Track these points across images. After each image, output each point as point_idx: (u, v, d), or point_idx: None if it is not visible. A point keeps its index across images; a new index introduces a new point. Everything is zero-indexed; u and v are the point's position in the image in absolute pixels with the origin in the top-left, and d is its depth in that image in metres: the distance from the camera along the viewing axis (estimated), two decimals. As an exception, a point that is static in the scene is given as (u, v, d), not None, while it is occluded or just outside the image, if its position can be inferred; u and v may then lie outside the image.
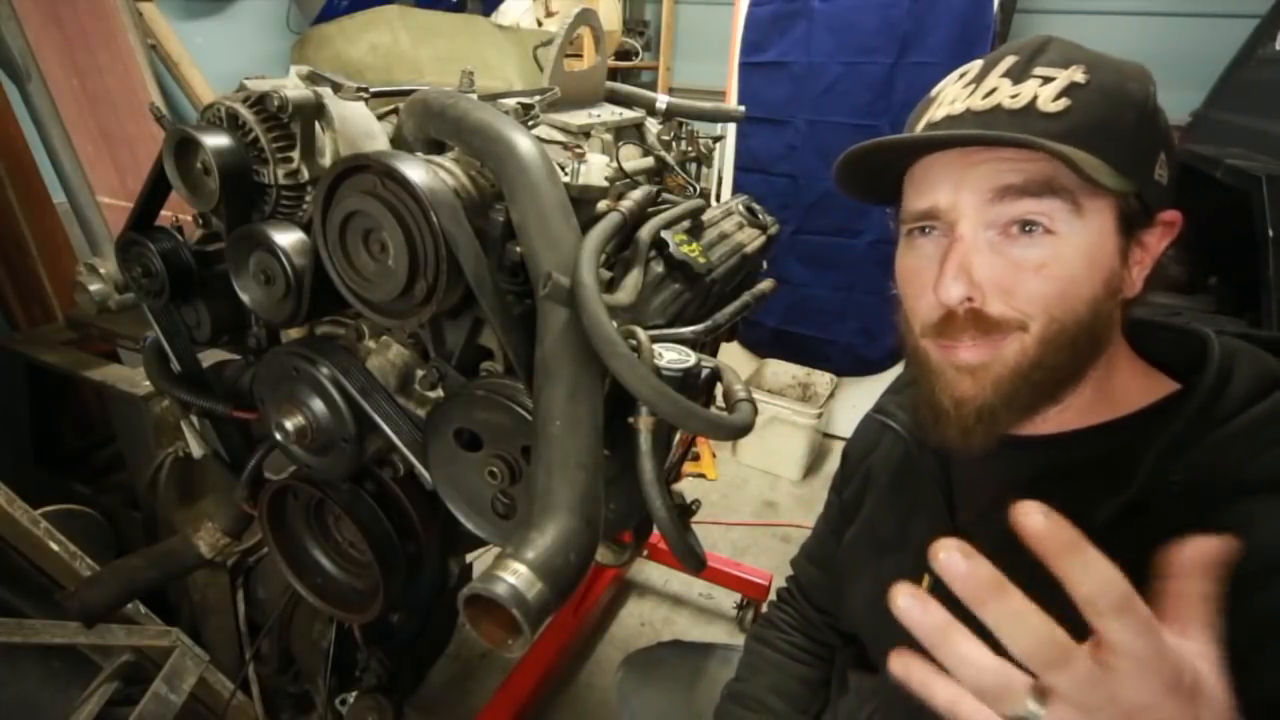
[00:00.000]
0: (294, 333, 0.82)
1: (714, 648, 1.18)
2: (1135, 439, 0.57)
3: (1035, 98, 0.54)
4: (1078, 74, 0.53)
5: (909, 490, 0.76)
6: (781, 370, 2.81)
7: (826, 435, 2.80)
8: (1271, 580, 0.48)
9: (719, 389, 0.67)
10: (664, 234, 0.76)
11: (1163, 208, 0.57)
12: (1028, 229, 0.54)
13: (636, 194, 0.77)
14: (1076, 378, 0.58)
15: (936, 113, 0.59)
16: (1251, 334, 0.65)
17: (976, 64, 0.59)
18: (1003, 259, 0.55)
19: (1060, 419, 0.61)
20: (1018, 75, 0.55)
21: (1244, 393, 0.56)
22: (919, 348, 0.62)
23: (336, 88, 0.74)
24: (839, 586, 0.87)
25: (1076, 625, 0.44)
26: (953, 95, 0.59)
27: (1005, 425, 0.59)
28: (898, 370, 1.15)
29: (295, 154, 0.70)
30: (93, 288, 0.97)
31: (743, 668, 1.00)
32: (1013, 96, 0.55)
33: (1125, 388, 0.61)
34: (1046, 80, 0.54)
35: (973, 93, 0.57)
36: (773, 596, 1.07)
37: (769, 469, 2.70)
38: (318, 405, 0.73)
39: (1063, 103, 0.53)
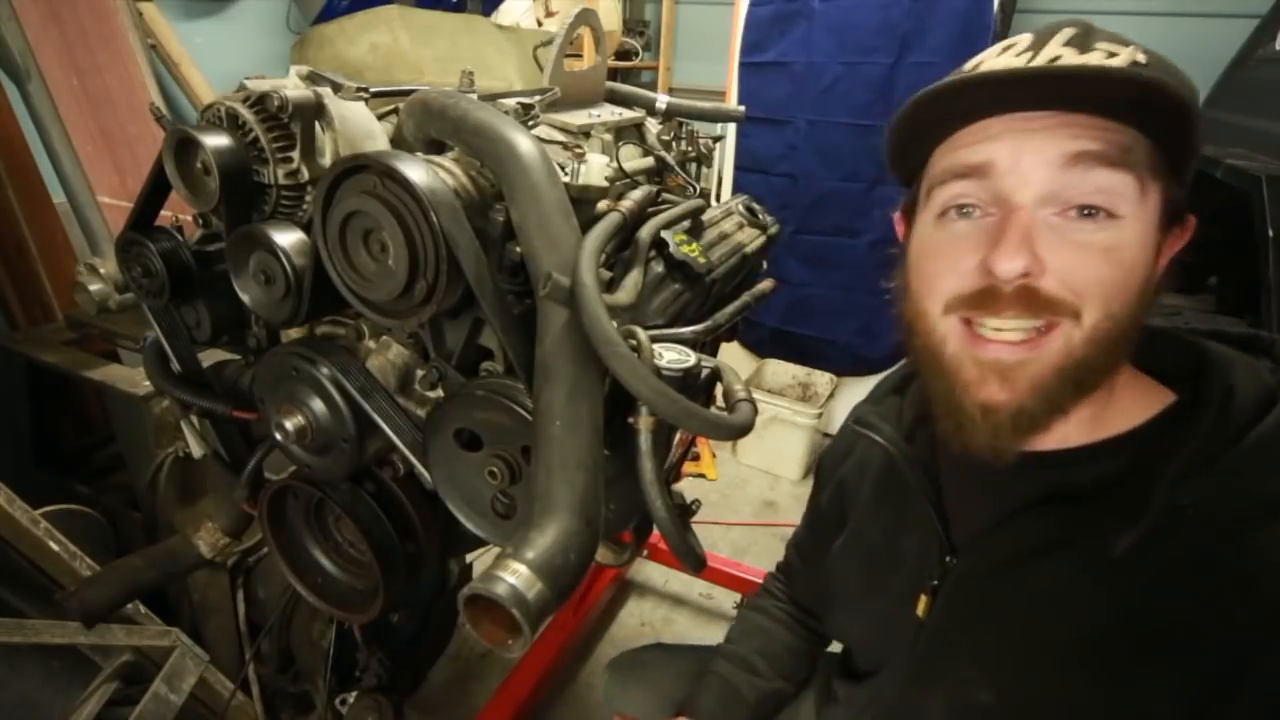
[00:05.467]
0: (294, 333, 0.82)
1: (699, 650, 1.18)
2: (1144, 461, 0.54)
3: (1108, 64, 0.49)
4: (1138, 54, 0.50)
5: (895, 506, 0.74)
6: (781, 370, 2.81)
7: (826, 435, 2.79)
8: None
9: (719, 389, 0.67)
10: (664, 234, 0.76)
11: (1184, 211, 0.54)
12: (1088, 213, 0.49)
13: (636, 194, 0.77)
14: (1108, 378, 0.54)
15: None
16: (1222, 332, 0.62)
17: (1026, 37, 0.53)
18: (1065, 240, 0.50)
19: (1061, 433, 0.57)
20: (1081, 45, 0.51)
21: (1249, 408, 0.53)
22: (934, 336, 0.56)
23: (336, 88, 0.74)
24: (826, 596, 0.86)
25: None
26: (1005, 64, 0.53)
27: (1042, 431, 0.54)
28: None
29: (295, 154, 0.70)
30: (93, 288, 0.97)
31: (733, 631, 1.01)
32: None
33: (1124, 399, 0.58)
34: (1111, 54, 0.49)
35: (1032, 59, 0.51)
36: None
37: (769, 469, 2.70)
38: (318, 405, 0.73)
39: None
